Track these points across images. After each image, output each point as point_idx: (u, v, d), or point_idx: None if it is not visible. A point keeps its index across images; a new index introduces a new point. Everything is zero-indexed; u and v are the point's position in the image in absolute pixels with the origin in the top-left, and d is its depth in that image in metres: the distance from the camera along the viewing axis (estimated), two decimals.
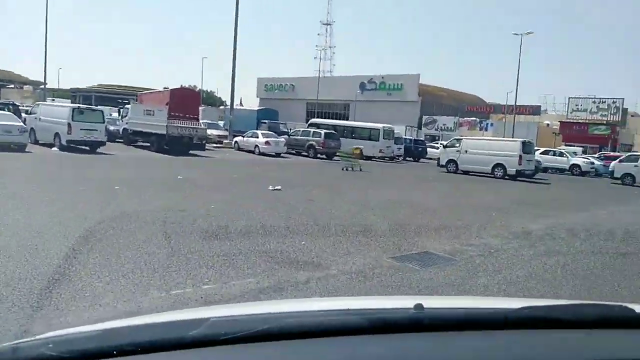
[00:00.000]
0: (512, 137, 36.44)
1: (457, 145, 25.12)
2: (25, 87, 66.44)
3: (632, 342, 1.21)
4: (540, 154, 30.52)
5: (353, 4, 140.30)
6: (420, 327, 1.14)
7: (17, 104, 32.85)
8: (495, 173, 23.07)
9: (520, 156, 22.70)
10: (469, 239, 8.20)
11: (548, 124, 57.55)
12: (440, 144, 33.81)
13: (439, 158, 26.48)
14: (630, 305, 1.40)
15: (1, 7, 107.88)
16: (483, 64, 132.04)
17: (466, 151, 24.36)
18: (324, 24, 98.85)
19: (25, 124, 20.00)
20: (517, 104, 49.86)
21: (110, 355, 0.97)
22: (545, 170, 29.15)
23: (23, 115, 24.07)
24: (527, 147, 23.55)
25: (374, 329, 1.12)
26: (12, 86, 67.83)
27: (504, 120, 54.63)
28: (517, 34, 45.10)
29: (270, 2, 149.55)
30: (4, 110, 23.02)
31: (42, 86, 50.95)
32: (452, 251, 7.13)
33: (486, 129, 56.39)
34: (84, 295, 4.22)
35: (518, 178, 22.55)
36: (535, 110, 58.85)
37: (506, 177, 22.68)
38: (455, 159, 24.60)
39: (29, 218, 7.16)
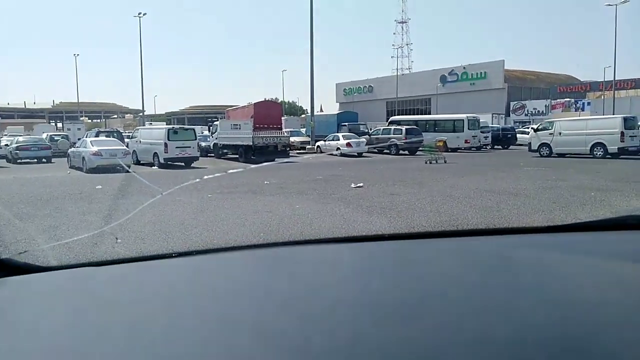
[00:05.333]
0: (613, 114, 33.67)
1: (550, 127, 23.87)
2: (127, 115, 72.73)
3: None
4: None
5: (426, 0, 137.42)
6: None
7: (121, 130, 36.17)
8: (595, 153, 21.50)
9: (622, 132, 21.00)
10: (564, 220, 7.75)
11: None
12: (531, 128, 32.08)
13: (529, 143, 25.16)
14: None
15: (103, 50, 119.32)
16: (573, 41, 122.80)
17: (560, 133, 23.04)
18: (399, 22, 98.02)
19: (128, 147, 21.92)
20: (617, 78, 45.95)
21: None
22: None
23: (126, 140, 26.41)
24: (629, 123, 21.80)
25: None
26: (116, 116, 74.67)
27: (602, 97, 50.51)
28: (610, 5, 42.20)
29: (343, 7, 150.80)
30: (109, 137, 25.54)
31: (141, 113, 55.51)
32: None
33: (582, 109, 52.43)
34: None
35: (621, 156, 20.80)
36: (638, 83, 53.71)
37: (607, 156, 21.03)
38: (549, 142, 23.32)
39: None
